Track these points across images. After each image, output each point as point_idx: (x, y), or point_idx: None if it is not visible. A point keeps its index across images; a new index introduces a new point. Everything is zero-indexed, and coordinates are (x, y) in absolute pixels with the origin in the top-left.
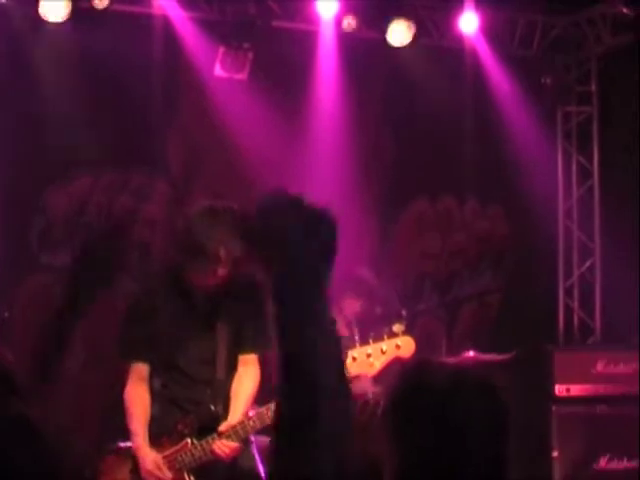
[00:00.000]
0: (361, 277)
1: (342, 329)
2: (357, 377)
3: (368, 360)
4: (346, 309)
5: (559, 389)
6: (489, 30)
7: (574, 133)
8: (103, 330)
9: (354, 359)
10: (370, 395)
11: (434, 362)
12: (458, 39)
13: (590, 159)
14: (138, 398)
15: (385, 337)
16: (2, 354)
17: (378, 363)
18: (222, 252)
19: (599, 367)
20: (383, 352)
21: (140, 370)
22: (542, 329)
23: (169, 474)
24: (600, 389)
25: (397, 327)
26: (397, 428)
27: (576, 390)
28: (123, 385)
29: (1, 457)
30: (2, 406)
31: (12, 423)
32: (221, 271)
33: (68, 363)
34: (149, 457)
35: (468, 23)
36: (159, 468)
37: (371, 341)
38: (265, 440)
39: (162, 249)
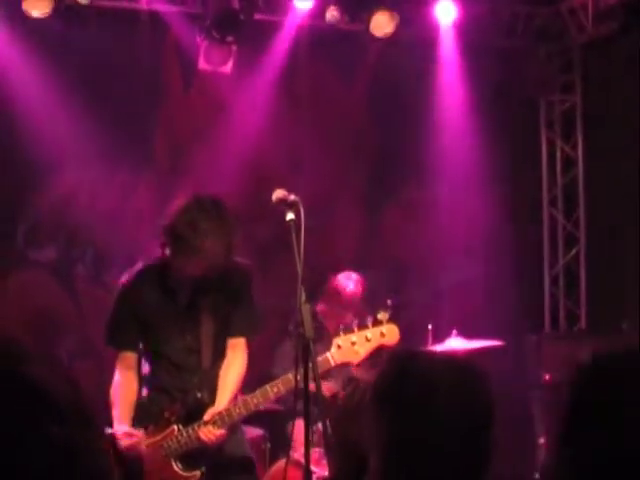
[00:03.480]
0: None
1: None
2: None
3: (353, 348)
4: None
5: (545, 376)
6: (472, 20)
7: (558, 122)
8: (92, 322)
9: (339, 347)
10: (360, 381)
11: (421, 350)
12: (437, 29)
13: (574, 148)
14: (124, 385)
15: (370, 325)
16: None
17: (363, 351)
18: (207, 245)
19: (585, 354)
20: (368, 340)
21: (128, 358)
22: (528, 317)
23: (139, 433)
24: None
25: (382, 315)
26: (382, 415)
27: (562, 377)
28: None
29: None
30: (33, 428)
31: (46, 447)
32: (205, 264)
33: (59, 354)
34: (121, 432)
35: (445, 13)
36: (129, 434)
37: (356, 329)
38: (254, 430)
39: (149, 242)
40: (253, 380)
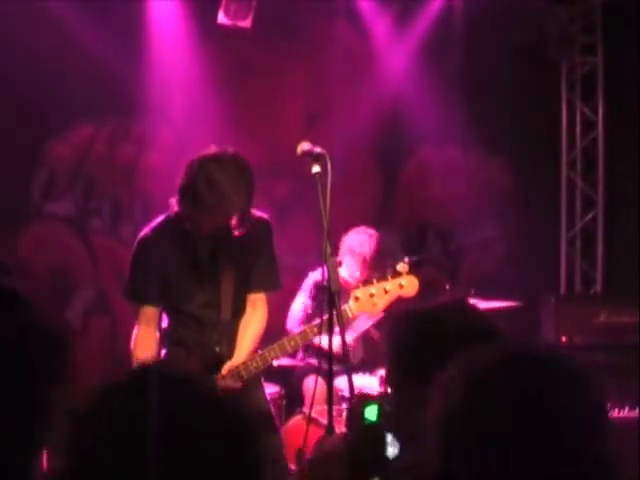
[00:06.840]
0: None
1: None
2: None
3: (371, 300)
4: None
5: (562, 339)
6: None
7: (578, 84)
8: (107, 276)
9: (357, 299)
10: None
11: (429, 306)
12: None
13: (595, 110)
14: (145, 341)
15: (389, 277)
16: None
17: (381, 302)
18: (223, 202)
19: (602, 317)
20: (386, 292)
21: (148, 313)
22: (544, 279)
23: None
24: (603, 339)
25: (401, 267)
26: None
27: (578, 340)
28: (130, 330)
29: None
30: None
31: None
32: (224, 219)
33: (74, 309)
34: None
35: None
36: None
37: (374, 281)
38: (270, 387)
39: (165, 197)
40: (273, 336)
